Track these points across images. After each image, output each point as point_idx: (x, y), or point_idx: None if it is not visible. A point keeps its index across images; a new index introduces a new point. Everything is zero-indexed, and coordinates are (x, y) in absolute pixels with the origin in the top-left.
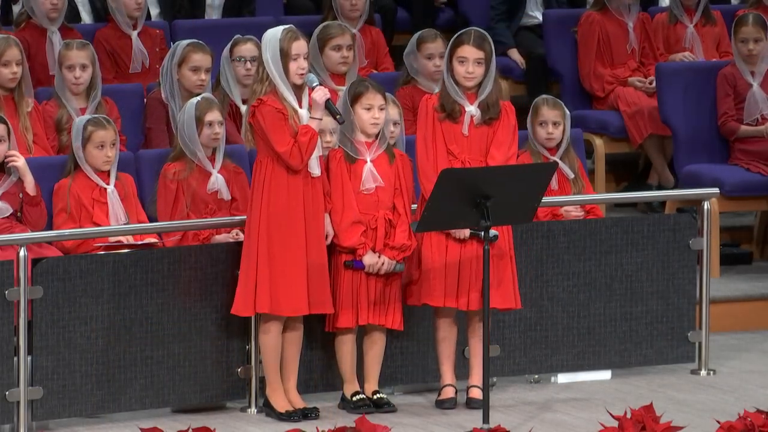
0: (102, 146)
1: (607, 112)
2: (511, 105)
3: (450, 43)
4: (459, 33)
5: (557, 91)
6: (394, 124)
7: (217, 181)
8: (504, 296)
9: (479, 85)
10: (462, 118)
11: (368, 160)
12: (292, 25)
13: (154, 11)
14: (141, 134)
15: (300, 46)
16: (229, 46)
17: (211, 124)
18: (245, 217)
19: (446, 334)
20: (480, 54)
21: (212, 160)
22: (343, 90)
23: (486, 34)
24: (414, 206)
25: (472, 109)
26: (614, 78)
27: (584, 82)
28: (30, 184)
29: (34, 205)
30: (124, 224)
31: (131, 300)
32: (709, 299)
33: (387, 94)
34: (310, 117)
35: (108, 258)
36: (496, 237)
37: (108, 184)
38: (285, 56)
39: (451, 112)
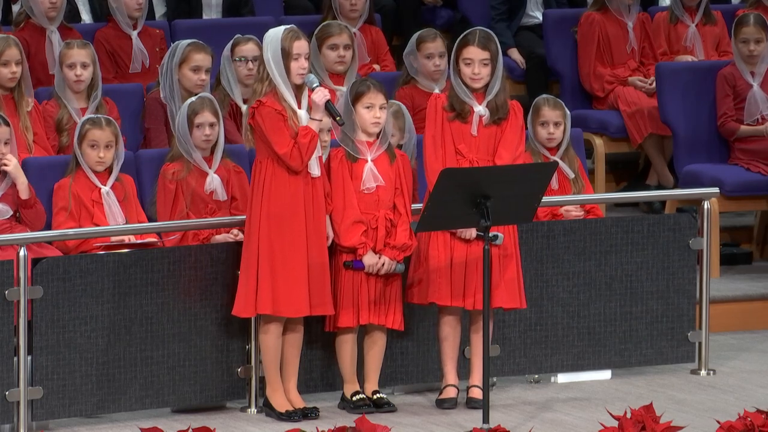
0: (95, 146)
1: (607, 112)
2: (519, 105)
3: (456, 44)
4: (464, 33)
5: (557, 91)
6: (390, 134)
7: (213, 181)
8: (510, 296)
9: (487, 85)
10: (471, 118)
11: (369, 159)
12: (293, 25)
13: (160, 11)
14: (141, 134)
15: (301, 45)
16: (229, 45)
17: (200, 125)
18: (245, 216)
19: (449, 334)
20: (485, 54)
21: (210, 160)
22: (341, 90)
23: (491, 33)
24: (418, 205)
25: (480, 110)
26: (614, 78)
27: (584, 82)
28: (23, 187)
29: (28, 207)
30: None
31: (131, 300)
32: (709, 299)
33: (393, 100)
34: (310, 118)
35: (108, 258)
36: (497, 237)
37: (105, 184)
38: (286, 56)
39: (460, 112)
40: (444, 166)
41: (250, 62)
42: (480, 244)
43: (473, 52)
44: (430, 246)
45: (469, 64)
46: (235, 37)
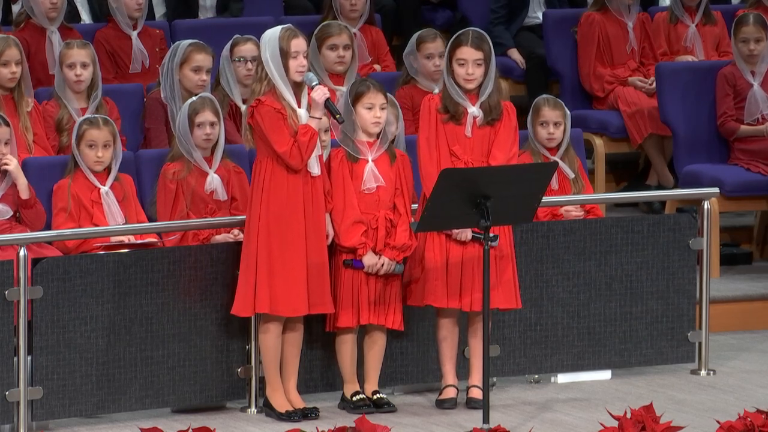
0: (92, 146)
1: (607, 112)
2: (512, 105)
3: (448, 44)
4: (457, 34)
5: (557, 91)
6: (390, 123)
7: (213, 181)
8: (505, 296)
9: (480, 85)
10: (465, 120)
11: (370, 159)
12: (290, 24)
13: (159, 11)
14: (141, 134)
15: (299, 43)
16: (228, 46)
17: (201, 125)
18: (245, 217)
19: (448, 334)
20: (479, 55)
21: (210, 159)
22: (341, 90)
23: (484, 34)
24: (414, 206)
25: (474, 111)
26: (614, 78)
27: (584, 82)
28: (23, 187)
29: (28, 207)
30: (122, 224)
31: (131, 300)
32: (709, 299)
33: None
34: (310, 116)
35: (108, 258)
36: (496, 238)
37: (104, 184)
38: (284, 54)
39: (454, 113)
40: (439, 168)
41: (249, 62)
42: (475, 245)
43: (467, 53)
44: (426, 248)
45: (462, 64)
46: (234, 37)
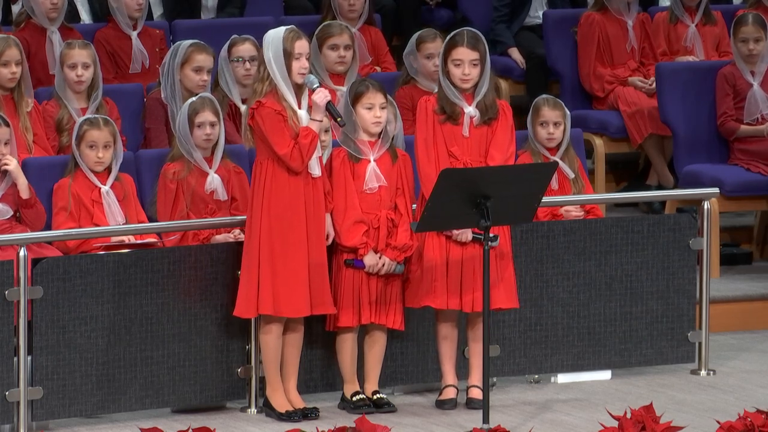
0: (93, 146)
1: (607, 112)
2: (508, 104)
3: (443, 45)
4: (452, 34)
5: (557, 91)
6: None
7: (213, 181)
8: (506, 296)
9: (476, 85)
10: (462, 120)
11: (372, 159)
12: (293, 26)
13: (157, 12)
14: (141, 134)
15: (302, 45)
16: (226, 46)
17: (201, 125)
18: (245, 217)
19: (448, 334)
20: (475, 55)
21: (210, 160)
22: (341, 90)
23: (479, 33)
24: (413, 206)
25: (471, 110)
26: (614, 78)
27: (584, 82)
28: (23, 187)
29: (28, 207)
30: (122, 224)
31: (131, 300)
32: (709, 299)
33: None
34: (311, 119)
35: (108, 258)
36: (496, 238)
37: (104, 184)
38: (288, 56)
39: (451, 114)
40: (437, 169)
41: (247, 62)
42: (475, 245)
43: (463, 53)
44: (425, 248)
45: (458, 65)
46: (232, 37)
